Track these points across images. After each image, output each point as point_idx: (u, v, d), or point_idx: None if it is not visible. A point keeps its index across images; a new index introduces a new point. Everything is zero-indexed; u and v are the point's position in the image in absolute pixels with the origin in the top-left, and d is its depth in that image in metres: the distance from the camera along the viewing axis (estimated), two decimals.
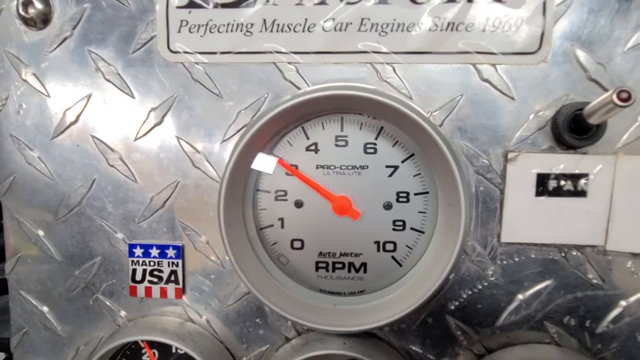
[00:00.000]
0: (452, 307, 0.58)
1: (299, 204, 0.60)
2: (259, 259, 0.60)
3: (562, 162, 0.54)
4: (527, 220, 0.55)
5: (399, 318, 0.54)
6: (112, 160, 0.61)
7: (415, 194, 0.59)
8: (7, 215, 0.65)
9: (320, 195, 0.59)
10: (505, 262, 0.57)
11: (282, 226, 0.61)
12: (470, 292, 0.58)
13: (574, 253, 0.55)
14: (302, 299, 0.59)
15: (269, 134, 0.58)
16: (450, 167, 0.51)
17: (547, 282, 0.56)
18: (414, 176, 0.59)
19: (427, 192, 0.59)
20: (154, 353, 0.66)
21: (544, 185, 0.54)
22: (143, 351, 0.65)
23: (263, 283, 0.57)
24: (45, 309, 0.66)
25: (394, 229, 0.60)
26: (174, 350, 0.65)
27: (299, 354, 0.56)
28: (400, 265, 0.61)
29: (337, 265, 0.62)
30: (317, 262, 0.62)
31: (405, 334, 0.60)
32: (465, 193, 0.52)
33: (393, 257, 0.61)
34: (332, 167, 0.60)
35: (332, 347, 0.56)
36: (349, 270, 0.61)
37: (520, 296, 0.57)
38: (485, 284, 0.57)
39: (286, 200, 0.61)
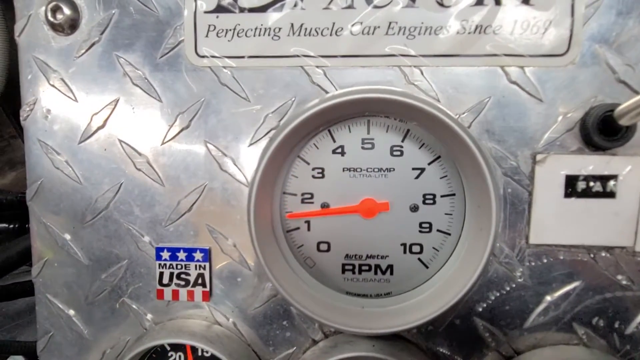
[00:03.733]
0: (480, 309, 0.58)
1: (325, 207, 0.61)
2: (286, 262, 0.60)
3: (591, 164, 0.54)
4: (556, 221, 0.55)
5: (428, 320, 0.54)
6: (139, 164, 0.62)
7: (442, 196, 0.59)
8: (34, 220, 0.65)
9: (347, 213, 0.60)
10: (533, 264, 0.57)
11: (309, 229, 0.62)
12: (498, 294, 0.58)
13: (603, 254, 0.55)
14: (330, 301, 0.59)
15: (297, 138, 0.58)
16: (480, 168, 0.51)
17: (576, 284, 0.56)
18: (441, 178, 0.59)
19: (454, 194, 0.59)
20: (179, 357, 0.66)
21: (572, 186, 0.54)
22: (169, 354, 0.65)
23: (292, 285, 0.57)
24: (71, 312, 0.66)
25: (420, 231, 0.60)
26: (200, 353, 0.65)
27: (327, 356, 0.56)
28: (427, 267, 0.61)
29: (364, 268, 0.62)
30: (343, 265, 0.62)
31: (432, 336, 0.60)
32: (496, 195, 0.52)
33: (419, 259, 0.61)
34: (359, 170, 0.60)
35: (361, 349, 0.56)
36: (375, 273, 0.62)
37: (548, 297, 0.57)
38: (514, 285, 0.57)
39: (312, 202, 0.61)
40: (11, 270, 0.78)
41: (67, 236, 0.64)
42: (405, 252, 0.61)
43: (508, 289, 0.57)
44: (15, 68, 0.64)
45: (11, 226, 1.21)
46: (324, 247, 0.62)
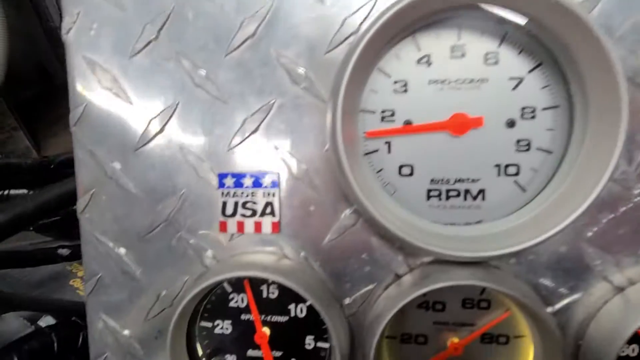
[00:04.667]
0: (590, 234, 0.52)
1: (408, 125, 0.54)
2: (368, 186, 0.54)
3: None
4: None
5: (542, 240, 0.47)
6: (198, 81, 0.55)
7: (543, 109, 0.52)
8: (78, 148, 0.58)
9: (435, 131, 0.53)
10: None
11: (389, 150, 0.55)
12: (611, 216, 0.51)
13: None
14: (425, 226, 0.53)
15: (379, 45, 0.51)
16: (609, 63, 0.44)
17: None
18: (542, 88, 0.52)
19: (557, 106, 0.52)
20: (241, 299, 0.60)
21: None
22: (231, 296, 0.59)
23: (382, 208, 0.51)
24: (122, 251, 0.60)
25: (517, 150, 0.53)
26: (265, 294, 0.59)
27: (419, 288, 0.50)
28: (524, 191, 0.54)
29: (452, 193, 0.55)
30: (428, 190, 0.55)
31: (534, 266, 0.53)
32: (626, 100, 0.45)
33: (516, 182, 0.54)
34: (447, 82, 0.53)
35: (458, 278, 0.49)
36: (465, 198, 0.55)
37: None
38: (630, 205, 0.51)
39: (393, 121, 0.54)
40: (49, 215, 0.72)
41: (117, 165, 0.58)
42: (499, 174, 0.54)
43: (623, 209, 0.51)
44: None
45: (30, 192, 1.15)
46: (406, 170, 0.55)
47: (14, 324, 0.85)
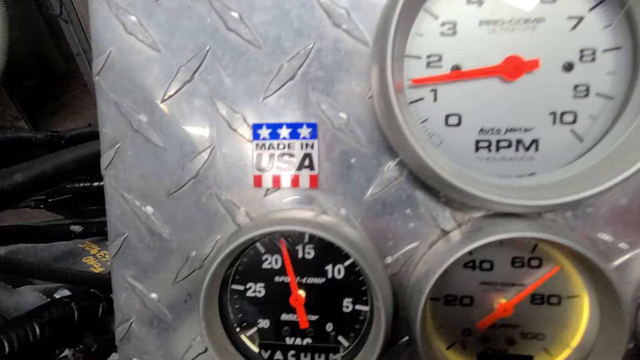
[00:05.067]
0: None
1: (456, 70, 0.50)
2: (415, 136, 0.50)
3: None
4: None
5: (603, 190, 0.44)
6: (231, 24, 0.51)
7: (604, 51, 0.48)
8: (102, 99, 0.55)
9: (486, 76, 0.49)
10: None
11: (435, 99, 0.51)
12: None
13: None
14: (474, 176, 0.49)
15: None
16: None
17: None
18: (604, 28, 0.48)
19: (620, 48, 0.48)
20: (275, 260, 0.57)
21: None
22: (264, 257, 0.56)
23: (431, 153, 0.47)
24: (149, 209, 0.56)
25: (574, 96, 0.50)
26: (300, 255, 0.56)
27: (470, 241, 0.47)
28: (581, 141, 0.51)
29: (502, 144, 0.52)
30: (477, 141, 0.52)
31: (592, 219, 0.50)
32: None
33: (572, 131, 0.51)
34: (500, 23, 0.49)
35: (515, 230, 0.46)
36: (517, 149, 0.51)
37: None
38: None
39: (440, 66, 0.51)
40: (67, 178, 0.69)
41: (143, 117, 0.54)
42: (554, 122, 0.50)
43: None
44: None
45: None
46: (453, 120, 0.52)
47: (30, 297, 0.83)
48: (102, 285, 0.81)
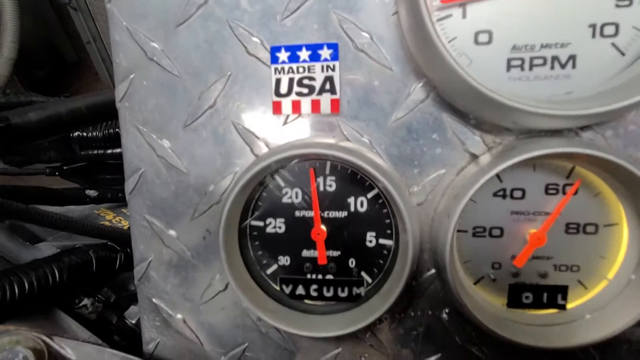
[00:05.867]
0: None
1: None
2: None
3: None
4: None
5: None
6: None
7: None
8: (115, 27, 0.53)
9: None
10: None
11: (464, 15, 0.48)
12: None
13: None
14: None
15: None
16: None
17: None
18: None
19: None
20: (296, 194, 0.55)
21: None
22: (284, 191, 0.54)
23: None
24: (165, 142, 0.55)
25: (617, 5, 0.46)
26: (322, 187, 0.54)
27: (504, 160, 0.44)
28: (623, 55, 0.47)
29: (536, 62, 0.48)
30: (509, 60, 0.48)
31: (633, 137, 0.47)
32: None
33: (613, 44, 0.47)
34: None
35: (554, 146, 0.43)
36: (552, 67, 0.48)
37: None
38: None
39: None
40: (81, 124, 0.67)
41: (157, 45, 0.52)
42: (594, 35, 0.47)
43: None
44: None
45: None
46: (483, 38, 0.48)
47: (47, 252, 0.83)
48: (121, 238, 0.81)
